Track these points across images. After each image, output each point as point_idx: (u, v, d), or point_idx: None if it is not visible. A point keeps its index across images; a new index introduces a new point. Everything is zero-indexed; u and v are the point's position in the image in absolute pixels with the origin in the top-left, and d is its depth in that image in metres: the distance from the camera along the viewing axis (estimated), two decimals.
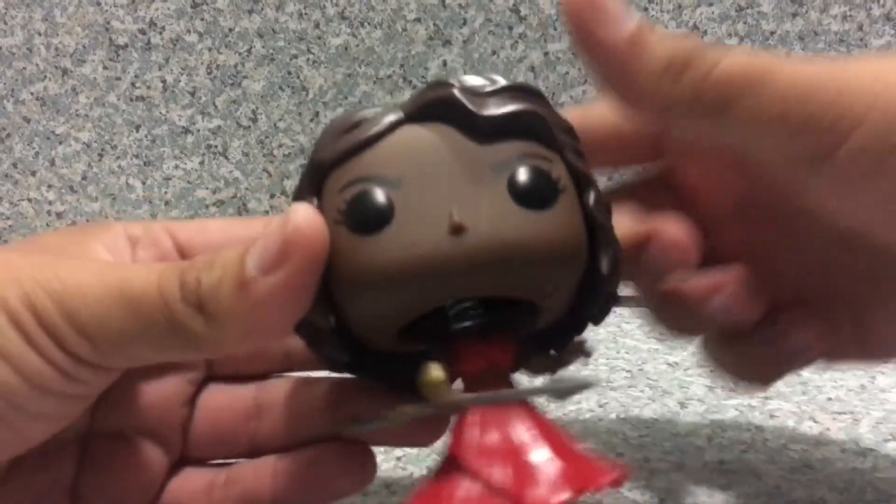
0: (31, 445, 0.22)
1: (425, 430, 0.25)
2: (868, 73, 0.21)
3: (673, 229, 0.25)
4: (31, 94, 0.58)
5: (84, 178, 0.59)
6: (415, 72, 0.56)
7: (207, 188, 0.58)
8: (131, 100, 0.57)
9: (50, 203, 0.59)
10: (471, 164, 0.21)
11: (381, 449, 0.30)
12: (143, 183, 0.59)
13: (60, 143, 0.58)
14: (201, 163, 0.58)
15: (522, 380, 0.23)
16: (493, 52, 0.56)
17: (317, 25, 0.56)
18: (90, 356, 0.20)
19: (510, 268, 0.21)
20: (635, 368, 0.43)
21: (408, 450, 0.33)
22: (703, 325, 0.27)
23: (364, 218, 0.21)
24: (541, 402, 0.23)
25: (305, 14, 0.55)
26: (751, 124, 0.21)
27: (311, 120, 0.57)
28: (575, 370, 0.24)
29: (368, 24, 0.55)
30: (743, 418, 0.37)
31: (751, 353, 0.26)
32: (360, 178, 0.21)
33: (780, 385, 0.40)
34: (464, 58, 0.56)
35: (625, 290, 0.25)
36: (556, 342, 0.25)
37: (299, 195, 0.23)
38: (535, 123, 0.22)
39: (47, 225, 0.59)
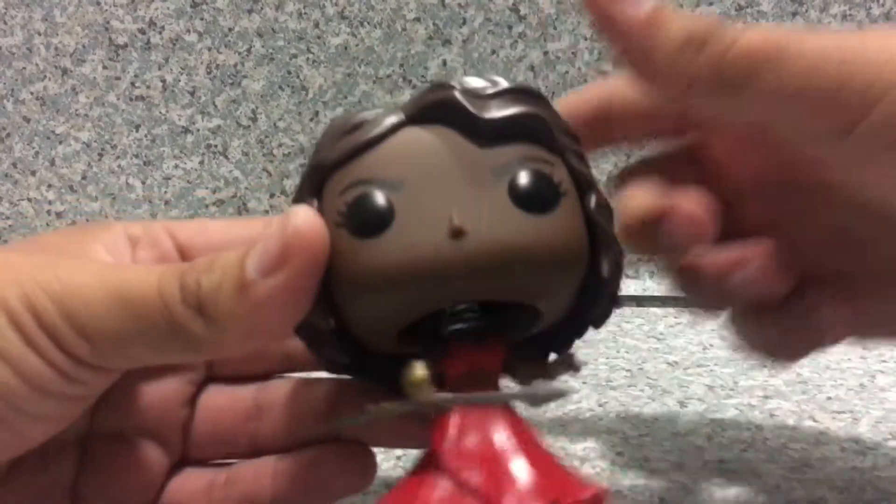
0: (30, 446, 0.22)
1: (419, 432, 0.25)
2: (890, 44, 0.21)
3: (690, 204, 0.24)
4: (31, 93, 0.58)
5: (84, 177, 0.59)
6: (414, 71, 0.56)
7: (207, 188, 0.58)
8: (131, 99, 0.57)
9: (50, 203, 0.59)
10: (471, 168, 0.21)
11: (381, 448, 0.30)
12: (143, 182, 0.59)
13: (60, 142, 0.58)
14: (201, 162, 0.58)
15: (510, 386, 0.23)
16: (493, 52, 0.56)
17: (316, 25, 0.56)
18: (90, 357, 0.20)
19: (510, 272, 0.21)
20: (635, 367, 0.43)
21: (408, 449, 0.33)
22: (726, 300, 0.26)
23: (364, 221, 0.21)
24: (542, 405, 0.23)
25: (305, 14, 0.55)
26: (771, 100, 0.21)
27: (311, 119, 0.57)
28: (570, 386, 0.24)
29: (368, 23, 0.55)
30: (743, 417, 0.37)
31: (778, 329, 0.26)
32: (360, 180, 0.21)
33: (780, 384, 0.40)
34: (463, 57, 0.56)
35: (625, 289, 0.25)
36: (556, 345, 0.25)
37: (299, 197, 0.23)
38: (537, 126, 0.22)
39: (47, 225, 0.59)
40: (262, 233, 0.20)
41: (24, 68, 0.57)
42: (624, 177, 0.27)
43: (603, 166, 0.57)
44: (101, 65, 0.57)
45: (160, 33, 0.56)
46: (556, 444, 0.34)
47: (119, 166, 0.58)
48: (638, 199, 0.24)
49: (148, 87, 0.57)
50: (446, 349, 0.22)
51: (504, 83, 0.22)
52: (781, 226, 0.26)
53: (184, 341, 0.20)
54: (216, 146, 0.58)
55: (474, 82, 0.22)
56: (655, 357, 0.45)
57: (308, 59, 0.56)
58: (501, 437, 0.21)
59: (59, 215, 0.59)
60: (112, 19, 0.56)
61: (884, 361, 0.44)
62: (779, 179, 0.26)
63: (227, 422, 0.27)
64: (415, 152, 0.21)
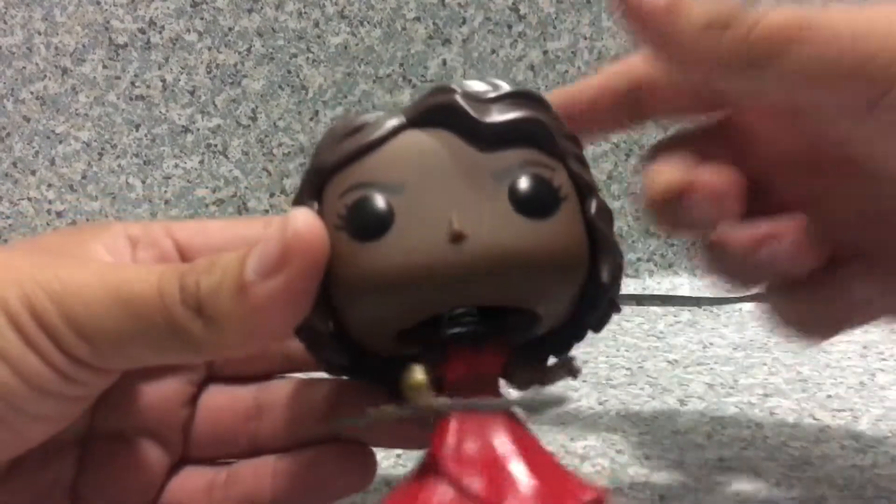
0: (30, 446, 0.22)
1: (415, 432, 0.25)
2: None
3: (713, 179, 0.24)
4: (31, 93, 0.58)
5: (84, 177, 0.59)
6: (414, 71, 0.56)
7: (207, 187, 0.58)
8: (131, 99, 0.57)
9: (50, 202, 0.59)
10: (472, 172, 0.21)
11: (381, 448, 0.30)
12: (143, 182, 0.59)
13: (60, 142, 0.58)
14: (201, 162, 0.58)
15: (507, 390, 0.23)
16: (493, 51, 0.56)
17: (316, 24, 0.56)
18: (89, 357, 0.20)
19: (510, 276, 0.21)
20: (635, 366, 0.44)
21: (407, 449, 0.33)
22: (753, 276, 0.26)
23: (364, 224, 0.21)
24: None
25: (305, 13, 0.55)
26: (795, 78, 0.21)
27: (311, 119, 0.57)
28: (570, 385, 0.23)
29: (368, 22, 0.55)
30: (743, 415, 0.37)
31: (809, 305, 0.26)
32: (360, 183, 0.21)
33: (780, 382, 0.40)
34: (463, 57, 0.56)
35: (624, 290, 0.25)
36: (555, 349, 0.25)
37: (299, 199, 0.23)
38: (538, 131, 0.22)
39: (47, 224, 0.59)
40: (262, 233, 0.20)
41: (24, 68, 0.57)
42: (653, 151, 0.26)
43: (603, 166, 0.57)
44: (101, 64, 0.57)
45: (160, 33, 0.56)
46: (556, 443, 0.34)
47: (119, 166, 0.58)
48: (663, 173, 0.23)
49: (148, 87, 0.57)
50: (445, 353, 0.22)
51: (505, 87, 0.22)
52: (812, 201, 0.25)
53: (183, 342, 0.20)
54: (216, 146, 0.58)
55: (476, 86, 0.22)
56: (655, 355, 0.45)
57: (308, 58, 0.56)
58: (501, 441, 0.21)
59: (59, 215, 0.59)
60: (112, 19, 0.56)
61: (884, 360, 0.44)
62: (808, 155, 0.26)
63: (228, 422, 0.27)
64: (415, 156, 0.21)
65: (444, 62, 0.56)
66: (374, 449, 0.26)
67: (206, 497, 0.26)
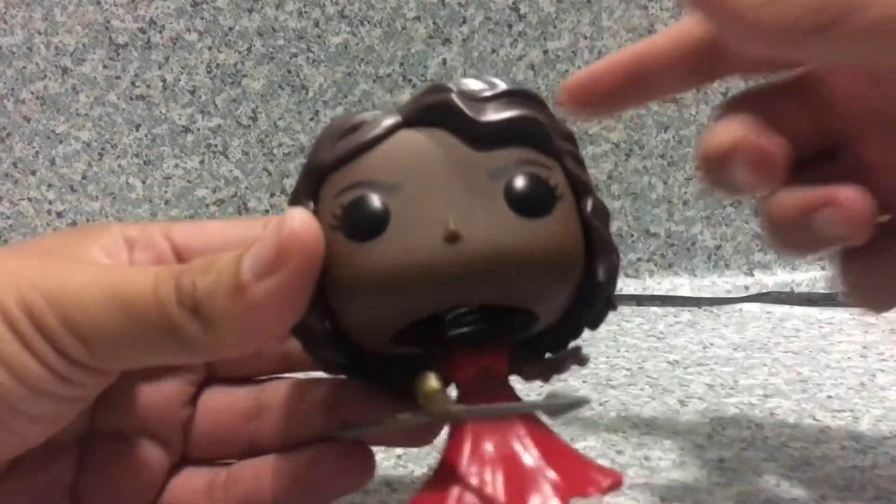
0: (28, 447, 0.22)
1: (420, 432, 0.25)
2: None
3: (757, 144, 0.23)
4: (31, 93, 0.58)
5: (84, 177, 0.59)
6: (414, 70, 0.56)
7: (207, 187, 0.58)
8: (131, 99, 0.57)
9: (50, 202, 0.59)
10: (468, 171, 0.21)
11: (382, 447, 0.30)
12: (143, 182, 0.59)
13: (60, 142, 0.58)
14: (201, 162, 0.58)
15: (516, 386, 0.23)
16: (493, 51, 0.56)
17: (316, 24, 0.56)
18: (86, 359, 0.20)
19: (506, 276, 0.21)
20: (635, 367, 0.43)
21: (409, 448, 0.33)
22: (809, 243, 0.25)
23: (360, 224, 0.21)
24: None
25: (305, 13, 0.55)
26: (865, 38, 0.21)
27: (311, 119, 0.57)
28: (571, 385, 0.23)
29: (368, 22, 0.55)
30: (743, 416, 0.37)
31: (872, 273, 0.25)
32: (356, 182, 0.21)
33: (780, 383, 0.40)
34: (463, 56, 0.56)
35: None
36: (552, 346, 0.25)
37: (296, 198, 0.23)
38: (534, 130, 0.22)
39: (47, 224, 0.59)
40: (258, 234, 0.20)
41: (25, 68, 0.57)
42: (722, 109, 0.26)
43: (603, 166, 0.57)
44: (101, 64, 0.57)
45: (160, 32, 0.56)
46: None
47: (119, 166, 0.58)
48: (716, 133, 0.23)
49: (148, 87, 0.57)
50: (449, 354, 0.22)
51: (502, 85, 0.22)
52: (889, 164, 0.25)
53: (179, 342, 0.20)
54: (216, 146, 0.58)
55: (472, 84, 0.22)
56: (655, 356, 0.45)
57: (308, 58, 0.56)
58: (517, 438, 0.21)
59: (59, 215, 0.59)
60: (112, 18, 0.56)
61: (884, 360, 0.44)
62: (886, 115, 0.25)
63: (228, 422, 0.27)
64: (411, 155, 0.21)
65: (445, 62, 0.56)
66: (375, 449, 0.26)
67: (206, 497, 0.26)
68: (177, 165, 0.58)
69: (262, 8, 0.56)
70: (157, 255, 0.25)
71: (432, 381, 0.21)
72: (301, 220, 0.20)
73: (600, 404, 0.39)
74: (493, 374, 0.22)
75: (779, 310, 0.54)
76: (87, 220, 0.59)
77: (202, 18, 0.56)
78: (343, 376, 0.26)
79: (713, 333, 0.49)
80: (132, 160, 0.58)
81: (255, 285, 0.20)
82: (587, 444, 0.34)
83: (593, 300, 0.23)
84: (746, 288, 0.56)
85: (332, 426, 0.25)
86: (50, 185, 0.59)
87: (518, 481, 0.20)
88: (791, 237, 0.25)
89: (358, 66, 0.56)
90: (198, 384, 0.27)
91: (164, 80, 0.57)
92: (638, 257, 0.58)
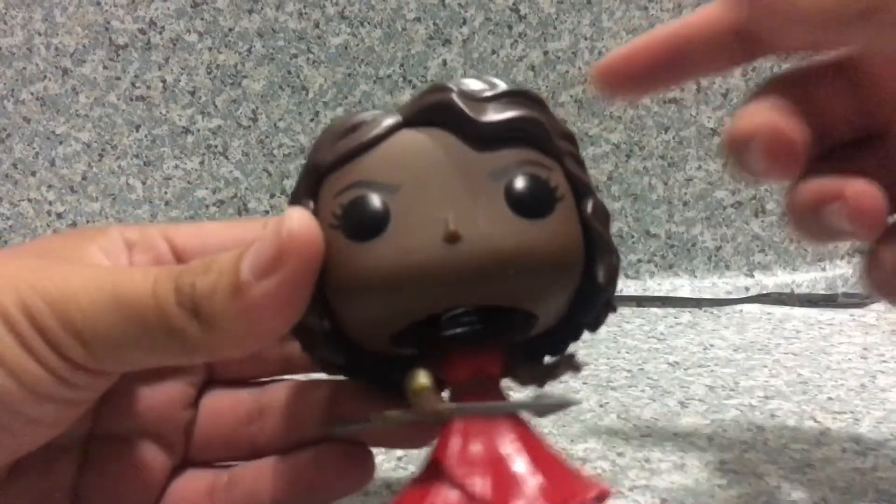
0: (29, 449, 0.22)
1: (417, 433, 0.25)
2: None
3: (773, 129, 0.23)
4: (31, 94, 0.58)
5: (84, 178, 0.59)
6: (414, 71, 0.56)
7: (207, 188, 0.58)
8: (131, 100, 0.57)
9: (50, 203, 0.59)
10: (468, 171, 0.21)
11: (382, 449, 0.30)
12: (144, 183, 0.59)
13: (60, 143, 0.58)
14: (201, 163, 0.58)
15: (509, 390, 0.23)
16: (493, 52, 0.56)
17: (317, 25, 0.56)
18: (85, 360, 0.20)
19: (505, 277, 0.21)
20: (636, 368, 0.43)
21: (409, 450, 0.33)
22: (824, 233, 0.25)
23: (359, 224, 0.21)
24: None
25: (305, 13, 0.55)
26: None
27: (311, 119, 0.57)
28: (571, 387, 0.23)
29: (368, 23, 0.55)
30: (743, 418, 0.37)
31: (889, 265, 0.24)
32: (356, 182, 0.21)
33: (781, 384, 0.40)
34: (463, 57, 0.56)
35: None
36: (551, 349, 0.25)
37: (296, 198, 0.23)
38: (535, 130, 0.22)
39: (47, 225, 0.59)
40: (258, 234, 0.20)
41: (25, 68, 0.57)
42: (758, 88, 0.25)
43: (603, 167, 0.57)
44: (101, 65, 0.57)
45: (160, 33, 0.56)
46: (557, 446, 0.34)
47: (119, 167, 0.58)
48: (740, 118, 0.23)
49: (148, 88, 0.57)
50: (445, 353, 0.22)
51: (502, 86, 0.22)
52: None
53: (179, 343, 0.20)
54: (216, 146, 0.58)
55: (472, 84, 0.22)
56: (656, 357, 0.45)
57: (308, 59, 0.56)
58: (506, 441, 0.21)
59: (59, 216, 0.59)
60: (112, 19, 0.56)
61: (884, 362, 0.44)
62: None
63: (229, 424, 0.27)
64: (411, 155, 0.21)
65: (445, 63, 0.56)
66: (376, 451, 0.26)
67: (207, 499, 0.26)
68: (177, 166, 0.58)
69: (262, 9, 0.55)
70: (156, 256, 0.25)
71: (422, 379, 0.21)
72: (300, 219, 0.20)
73: (601, 406, 0.38)
74: (485, 375, 0.22)
75: (779, 311, 0.54)
76: (87, 221, 0.59)
77: (202, 19, 0.56)
78: (342, 377, 0.26)
79: (713, 335, 0.49)
80: (132, 161, 0.58)
81: (255, 285, 0.20)
82: (588, 446, 0.34)
83: (593, 302, 0.23)
84: (747, 289, 0.56)
85: (326, 423, 0.25)
86: (50, 186, 0.59)
87: (504, 485, 0.20)
88: (805, 227, 0.24)
89: (358, 67, 0.56)
90: (199, 386, 0.27)
91: (164, 81, 0.57)
92: (638, 258, 0.58)
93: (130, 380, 0.25)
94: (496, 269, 0.20)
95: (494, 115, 0.21)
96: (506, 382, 0.23)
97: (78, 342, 0.20)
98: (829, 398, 0.39)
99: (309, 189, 0.22)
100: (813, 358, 0.44)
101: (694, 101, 0.56)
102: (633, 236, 0.57)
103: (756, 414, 0.37)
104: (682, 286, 0.57)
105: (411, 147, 0.21)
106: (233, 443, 0.27)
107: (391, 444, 0.27)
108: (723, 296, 0.56)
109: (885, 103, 0.25)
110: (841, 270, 0.57)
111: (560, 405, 0.21)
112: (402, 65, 0.56)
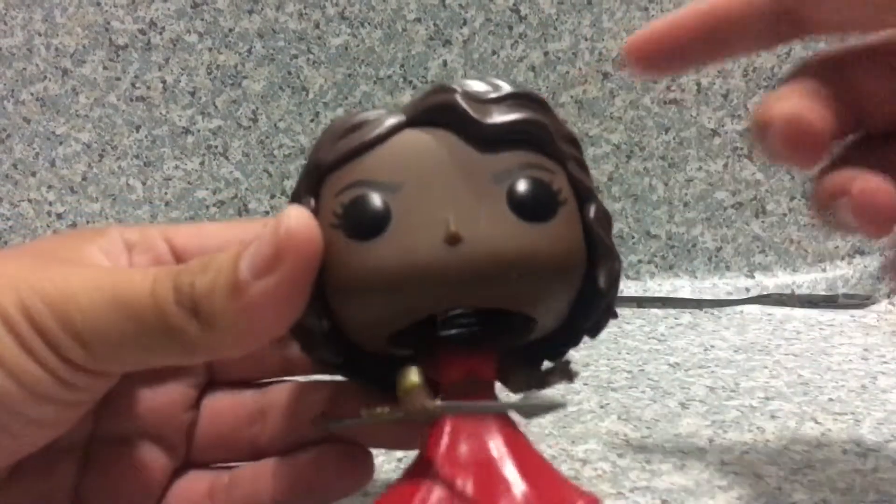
0: (30, 451, 0.22)
1: (413, 433, 0.25)
2: None
3: (794, 114, 0.23)
4: (31, 94, 0.58)
5: (84, 178, 0.59)
6: (415, 72, 0.56)
7: (208, 189, 0.58)
8: (131, 100, 0.57)
9: (50, 204, 0.59)
10: (471, 173, 0.21)
11: (382, 450, 0.30)
12: (144, 183, 0.58)
13: (60, 143, 0.58)
14: (202, 163, 0.58)
15: (502, 394, 0.23)
16: (494, 52, 0.55)
17: (317, 25, 0.56)
18: (85, 361, 0.20)
19: (506, 280, 0.20)
20: (636, 369, 0.43)
21: (409, 451, 0.33)
22: (840, 225, 0.24)
23: (360, 223, 0.21)
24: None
25: (305, 14, 0.55)
26: None
27: (312, 120, 0.57)
28: (571, 387, 0.23)
29: (368, 24, 0.55)
30: (744, 419, 0.37)
31: None
32: (358, 181, 0.21)
33: (781, 385, 0.40)
34: (464, 58, 0.56)
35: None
36: (550, 354, 0.25)
37: (296, 196, 0.23)
38: (539, 133, 0.22)
39: (47, 226, 0.59)
40: (256, 233, 0.20)
41: (25, 69, 0.57)
42: (793, 71, 0.25)
43: (604, 167, 0.57)
44: (101, 65, 0.57)
45: (160, 34, 0.56)
46: (557, 447, 0.34)
47: (119, 167, 0.58)
48: (766, 101, 0.22)
49: (148, 88, 0.57)
50: (437, 354, 0.22)
51: (507, 87, 0.22)
52: None
53: (178, 343, 0.20)
54: (217, 147, 0.58)
55: (476, 86, 0.22)
56: (656, 358, 0.45)
57: (309, 59, 0.56)
58: (495, 444, 0.21)
59: (59, 216, 0.59)
60: (112, 20, 0.56)
61: (885, 363, 0.44)
62: None
63: (230, 425, 0.27)
64: (414, 155, 0.21)
65: (445, 63, 0.56)
66: (376, 453, 0.26)
67: (208, 500, 0.26)
68: (177, 167, 0.58)
69: (262, 9, 0.55)
70: (155, 257, 0.25)
71: (413, 376, 0.21)
72: (298, 217, 0.20)
73: (601, 407, 0.38)
74: (478, 378, 0.22)
75: (779, 312, 0.54)
76: (88, 222, 0.59)
77: (202, 20, 0.56)
78: (342, 378, 0.25)
79: (714, 335, 0.49)
80: (132, 161, 0.58)
81: (253, 284, 0.20)
82: (588, 447, 0.34)
83: (593, 307, 0.23)
84: (747, 290, 0.56)
85: (316, 419, 0.25)
86: (50, 187, 0.59)
87: (490, 487, 0.20)
88: (825, 217, 0.24)
89: (358, 68, 0.56)
90: (200, 388, 0.27)
91: (164, 82, 0.57)
92: (638, 259, 0.58)
93: (131, 381, 0.24)
94: (496, 272, 0.20)
95: (498, 118, 0.21)
96: (499, 389, 0.23)
97: (77, 343, 0.20)
98: (830, 399, 0.39)
99: (310, 188, 0.22)
100: (813, 359, 0.44)
101: (694, 102, 0.56)
102: (633, 237, 0.57)
103: (757, 415, 0.37)
104: (683, 287, 0.57)
105: (414, 147, 0.21)
106: (233, 444, 0.27)
107: (388, 444, 0.27)
108: (723, 297, 0.56)
109: None
110: (841, 271, 0.57)
111: (548, 407, 0.21)
112: (402, 65, 0.56)
